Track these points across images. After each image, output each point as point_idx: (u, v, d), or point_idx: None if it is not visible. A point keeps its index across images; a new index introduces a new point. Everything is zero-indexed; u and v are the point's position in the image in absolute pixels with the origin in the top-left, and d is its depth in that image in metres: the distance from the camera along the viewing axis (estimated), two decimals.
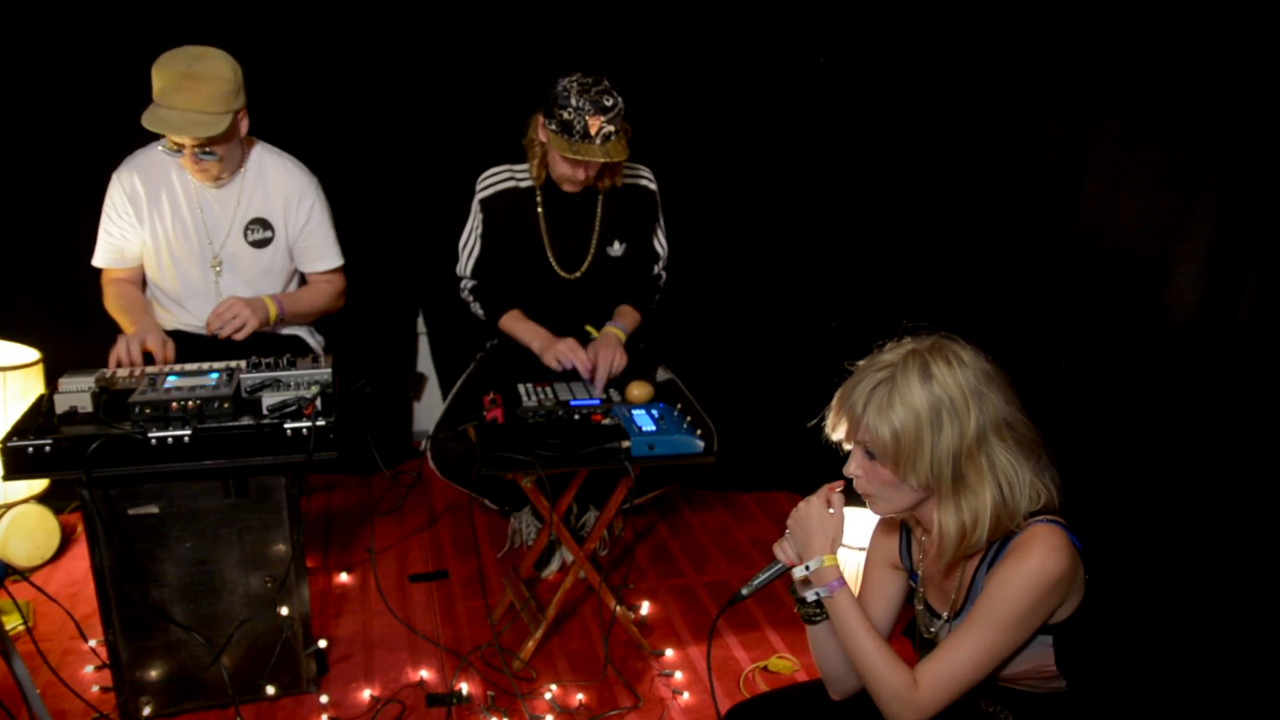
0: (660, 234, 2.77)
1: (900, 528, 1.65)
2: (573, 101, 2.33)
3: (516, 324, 2.66)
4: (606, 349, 2.50)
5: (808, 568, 1.52)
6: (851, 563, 2.50)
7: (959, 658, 1.43)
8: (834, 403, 1.49)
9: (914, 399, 1.39)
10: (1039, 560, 1.39)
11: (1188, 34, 1.98)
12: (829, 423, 1.50)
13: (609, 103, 2.35)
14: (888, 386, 1.41)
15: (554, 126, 2.38)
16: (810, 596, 1.54)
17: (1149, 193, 2.10)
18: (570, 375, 2.52)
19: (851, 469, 1.49)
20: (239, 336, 2.41)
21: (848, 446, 1.50)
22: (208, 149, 2.34)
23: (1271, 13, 1.80)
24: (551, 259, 2.65)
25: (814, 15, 3.08)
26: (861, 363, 1.49)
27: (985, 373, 1.43)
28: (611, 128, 2.36)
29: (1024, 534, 1.43)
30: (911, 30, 2.90)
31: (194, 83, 2.27)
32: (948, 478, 1.41)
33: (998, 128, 2.59)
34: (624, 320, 2.66)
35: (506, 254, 2.66)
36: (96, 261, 2.55)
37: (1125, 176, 2.16)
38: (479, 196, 2.64)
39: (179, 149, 2.35)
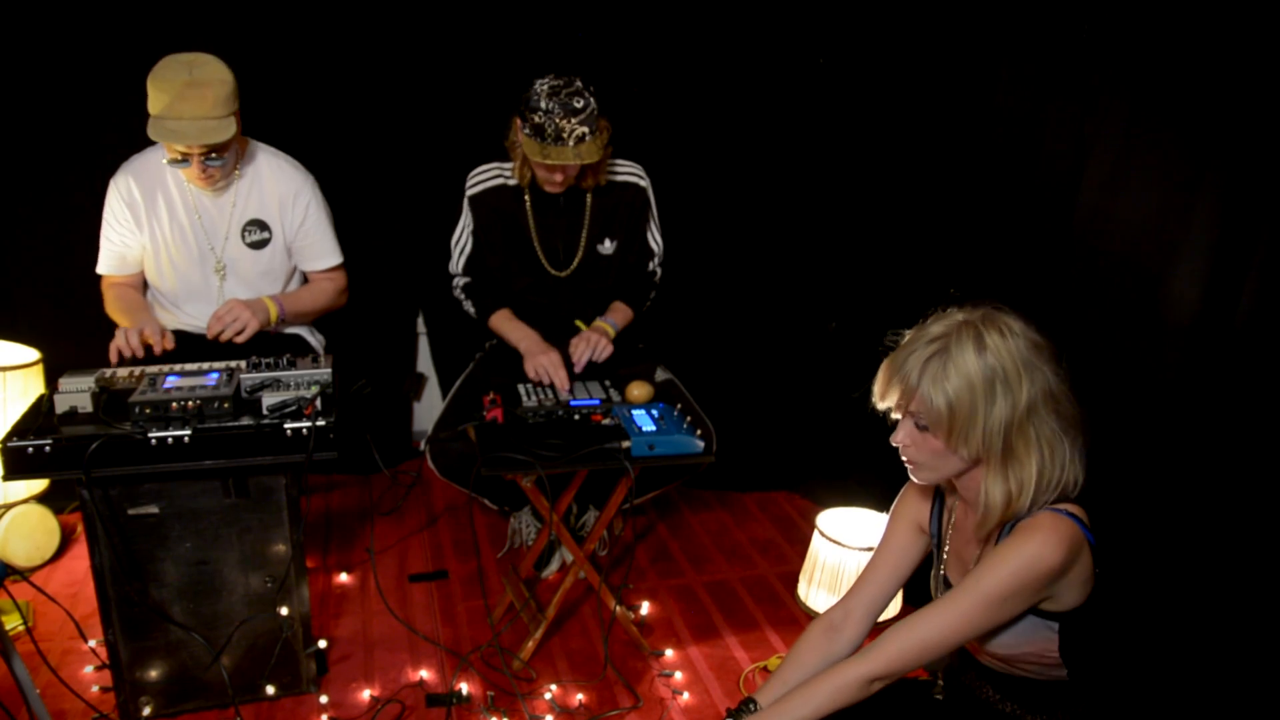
0: (654, 230, 2.75)
1: (934, 495, 1.65)
2: (542, 105, 2.32)
3: (506, 324, 2.65)
4: (593, 334, 2.52)
5: None
6: (851, 563, 2.51)
7: (933, 622, 1.45)
8: (882, 372, 1.49)
9: (969, 369, 1.40)
10: (1037, 547, 1.40)
11: (1188, 34, 1.98)
12: (876, 391, 1.50)
13: (580, 104, 2.33)
14: (942, 358, 1.41)
15: (527, 130, 2.37)
16: None
17: (1149, 193, 2.10)
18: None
19: (900, 438, 1.49)
20: (240, 339, 2.40)
21: (896, 416, 1.50)
22: (215, 155, 2.33)
23: (1271, 13, 1.80)
24: (541, 257, 2.64)
25: (814, 15, 3.08)
26: (909, 333, 1.49)
27: (1035, 344, 1.44)
28: (584, 129, 2.34)
29: (1033, 518, 1.43)
30: (912, 30, 2.90)
31: (198, 89, 2.26)
32: (998, 448, 1.42)
33: (998, 128, 2.59)
34: (615, 316, 2.66)
35: (497, 251, 2.66)
36: (100, 269, 2.55)
37: (1125, 176, 2.16)
38: (468, 194, 2.64)
39: (183, 159, 2.33)
